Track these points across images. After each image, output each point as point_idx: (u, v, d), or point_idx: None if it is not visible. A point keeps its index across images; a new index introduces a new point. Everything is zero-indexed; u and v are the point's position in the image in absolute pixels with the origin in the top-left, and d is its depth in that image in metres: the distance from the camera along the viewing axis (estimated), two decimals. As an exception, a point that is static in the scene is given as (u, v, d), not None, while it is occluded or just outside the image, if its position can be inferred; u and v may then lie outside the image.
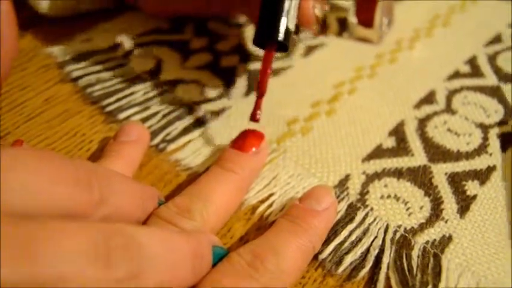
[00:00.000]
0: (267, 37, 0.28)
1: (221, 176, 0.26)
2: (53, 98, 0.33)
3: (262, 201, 0.28)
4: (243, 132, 0.29)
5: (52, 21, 0.38)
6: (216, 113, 0.33)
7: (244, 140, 0.28)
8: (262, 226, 0.27)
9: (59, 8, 0.37)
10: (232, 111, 0.33)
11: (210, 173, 0.27)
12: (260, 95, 0.29)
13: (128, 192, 0.23)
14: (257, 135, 0.28)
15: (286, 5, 0.28)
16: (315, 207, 0.25)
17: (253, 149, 0.28)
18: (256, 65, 0.36)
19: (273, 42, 0.28)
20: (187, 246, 0.20)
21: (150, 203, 0.24)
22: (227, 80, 0.35)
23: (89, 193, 0.20)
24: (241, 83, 0.35)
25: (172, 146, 0.30)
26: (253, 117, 0.28)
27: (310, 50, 0.38)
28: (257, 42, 0.29)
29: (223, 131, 0.31)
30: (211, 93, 0.34)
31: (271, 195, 0.28)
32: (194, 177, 0.29)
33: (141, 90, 0.34)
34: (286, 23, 0.28)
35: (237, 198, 0.27)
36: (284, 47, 0.29)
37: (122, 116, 0.32)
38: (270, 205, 0.28)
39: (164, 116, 0.32)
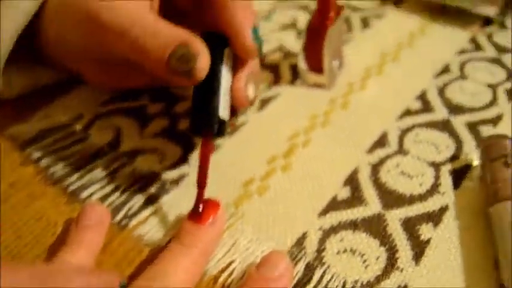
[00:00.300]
0: (201, 128, 0.29)
1: (179, 252, 0.27)
2: (17, 181, 0.34)
3: (223, 270, 0.29)
4: (196, 204, 0.30)
5: (9, 101, 0.39)
6: (176, 182, 0.34)
7: (201, 211, 0.29)
8: (224, 297, 0.28)
9: (14, 89, 0.38)
10: (191, 178, 0.34)
11: (169, 249, 0.28)
12: (201, 187, 0.29)
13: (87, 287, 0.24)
14: (213, 205, 0.29)
15: (218, 92, 0.29)
16: (271, 274, 0.26)
17: (211, 219, 0.29)
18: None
19: (208, 133, 0.29)
20: None
21: None
22: (185, 144, 0.36)
23: None
24: (198, 146, 0.36)
25: (134, 222, 0.31)
26: (195, 212, 0.29)
27: (264, 103, 0.39)
28: (193, 131, 0.30)
29: (183, 199, 0.32)
30: (170, 160, 0.35)
31: (231, 262, 0.29)
32: (157, 251, 0.30)
33: (102, 165, 0.35)
34: (219, 111, 0.29)
35: (197, 271, 0.28)
36: (220, 134, 0.30)
37: (83, 195, 0.33)
38: (231, 273, 0.29)
39: (125, 190, 0.33)
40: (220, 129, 0.29)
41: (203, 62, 0.28)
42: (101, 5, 0.31)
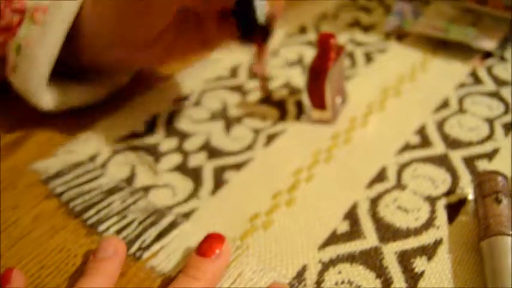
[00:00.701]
0: (252, 28, 0.35)
1: (186, 283, 0.30)
2: (40, 215, 0.37)
3: (229, 301, 0.31)
4: (206, 236, 0.32)
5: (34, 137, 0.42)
6: (186, 216, 0.36)
7: (207, 245, 0.31)
8: (229, 327, 0.30)
9: (54, 102, 0.42)
10: (201, 212, 0.36)
11: (177, 281, 0.30)
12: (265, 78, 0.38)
13: None
14: (219, 239, 0.32)
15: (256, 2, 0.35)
16: (213, 250, 0.30)
17: (216, 252, 0.31)
18: (222, 161, 0.40)
19: (257, 37, 0.36)
20: None
21: None
22: (195, 179, 0.39)
23: None
24: (207, 181, 0.38)
25: (147, 254, 0.34)
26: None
27: (270, 138, 0.42)
28: (242, 39, 0.36)
29: (193, 233, 0.35)
30: (181, 195, 0.37)
31: (236, 294, 0.31)
32: (167, 282, 0.32)
33: (118, 200, 0.37)
34: (261, 17, 0.35)
35: None
36: (266, 36, 0.36)
37: (101, 228, 0.36)
38: (236, 304, 0.31)
39: (140, 223, 0.36)
40: (265, 32, 0.36)
41: None
42: None
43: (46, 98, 0.41)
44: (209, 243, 0.31)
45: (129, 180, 0.39)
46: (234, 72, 0.49)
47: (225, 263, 0.32)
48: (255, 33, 0.35)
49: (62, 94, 0.42)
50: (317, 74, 0.41)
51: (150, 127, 0.43)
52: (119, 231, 0.35)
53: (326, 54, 0.40)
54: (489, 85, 0.46)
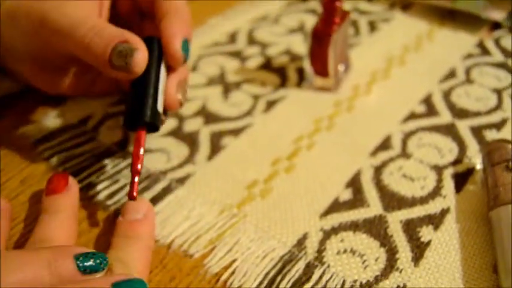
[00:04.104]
0: (136, 120, 0.31)
1: (47, 221, 0.30)
2: (28, 178, 0.35)
3: (225, 268, 0.29)
4: (48, 180, 0.31)
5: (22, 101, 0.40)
6: (181, 181, 0.34)
7: (53, 183, 0.31)
8: (226, 294, 0.28)
9: None
10: (197, 178, 0.34)
11: (38, 225, 0.30)
12: (134, 175, 0.30)
13: (29, 263, 0.24)
14: (62, 176, 0.31)
15: (152, 90, 0.31)
16: (137, 216, 0.30)
17: (66, 185, 0.31)
18: (220, 126, 0.38)
19: (143, 124, 0.31)
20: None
21: (62, 263, 0.24)
22: (191, 145, 0.37)
23: None
24: (204, 146, 0.37)
25: (140, 219, 0.32)
26: (131, 196, 0.30)
27: (270, 104, 0.40)
28: (127, 125, 0.31)
29: (189, 198, 0.33)
30: (176, 160, 0.36)
31: (233, 261, 0.30)
32: (159, 248, 0.30)
33: (110, 164, 0.36)
34: (154, 105, 0.31)
35: (74, 228, 0.30)
36: (154, 127, 0.32)
37: (92, 192, 0.34)
38: (233, 272, 0.29)
39: (132, 188, 0.34)
40: (153, 122, 0.31)
41: (140, 57, 0.31)
42: (52, 5, 0.33)
43: None
44: (55, 181, 0.31)
45: (122, 144, 0.37)
46: (232, 38, 0.47)
47: (77, 195, 0.32)
48: (143, 123, 0.31)
49: None
50: (320, 38, 0.39)
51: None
52: (110, 196, 0.34)
53: (331, 17, 0.38)
54: (497, 56, 0.45)
